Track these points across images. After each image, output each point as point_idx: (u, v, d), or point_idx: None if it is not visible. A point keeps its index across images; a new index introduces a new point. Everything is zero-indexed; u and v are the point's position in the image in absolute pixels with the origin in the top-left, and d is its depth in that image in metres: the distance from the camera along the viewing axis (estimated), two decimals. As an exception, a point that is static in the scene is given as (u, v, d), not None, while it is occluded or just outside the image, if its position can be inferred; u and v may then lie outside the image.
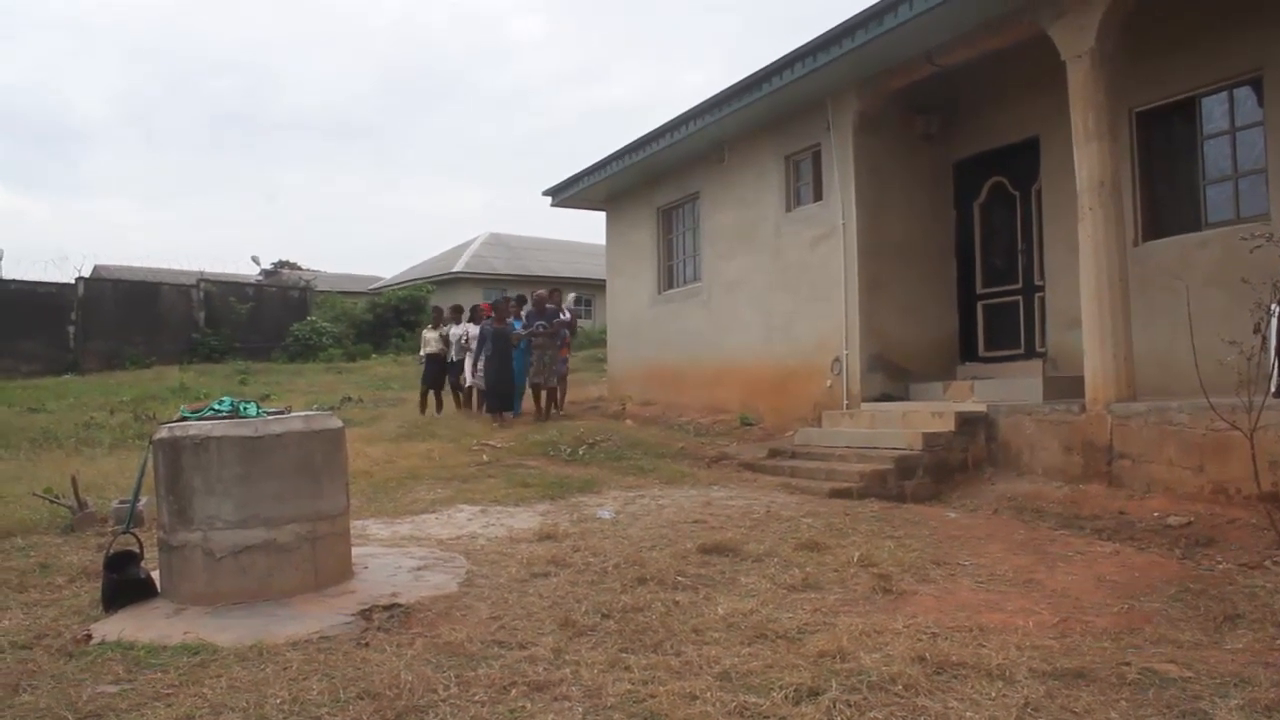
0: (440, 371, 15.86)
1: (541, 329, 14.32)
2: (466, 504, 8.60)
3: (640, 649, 4.37)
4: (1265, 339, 6.18)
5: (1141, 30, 8.88)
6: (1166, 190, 9.61)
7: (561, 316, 15.20)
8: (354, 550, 6.05)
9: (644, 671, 4.04)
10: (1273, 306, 6.30)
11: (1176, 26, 9.02)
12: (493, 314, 14.72)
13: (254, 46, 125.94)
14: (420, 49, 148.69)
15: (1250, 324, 6.17)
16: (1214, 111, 9.21)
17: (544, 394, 14.45)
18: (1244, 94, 8.94)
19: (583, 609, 4.99)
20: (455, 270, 34.01)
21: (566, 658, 4.26)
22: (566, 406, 15.13)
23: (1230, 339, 5.52)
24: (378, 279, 41.33)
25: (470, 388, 15.28)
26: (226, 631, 4.73)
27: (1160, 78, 9.32)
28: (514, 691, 3.86)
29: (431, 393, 15.84)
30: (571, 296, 22.91)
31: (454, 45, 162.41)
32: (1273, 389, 6.79)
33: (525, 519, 7.79)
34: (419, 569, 5.99)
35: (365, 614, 4.99)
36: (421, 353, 16.33)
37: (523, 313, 15.03)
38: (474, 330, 14.92)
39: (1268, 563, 5.95)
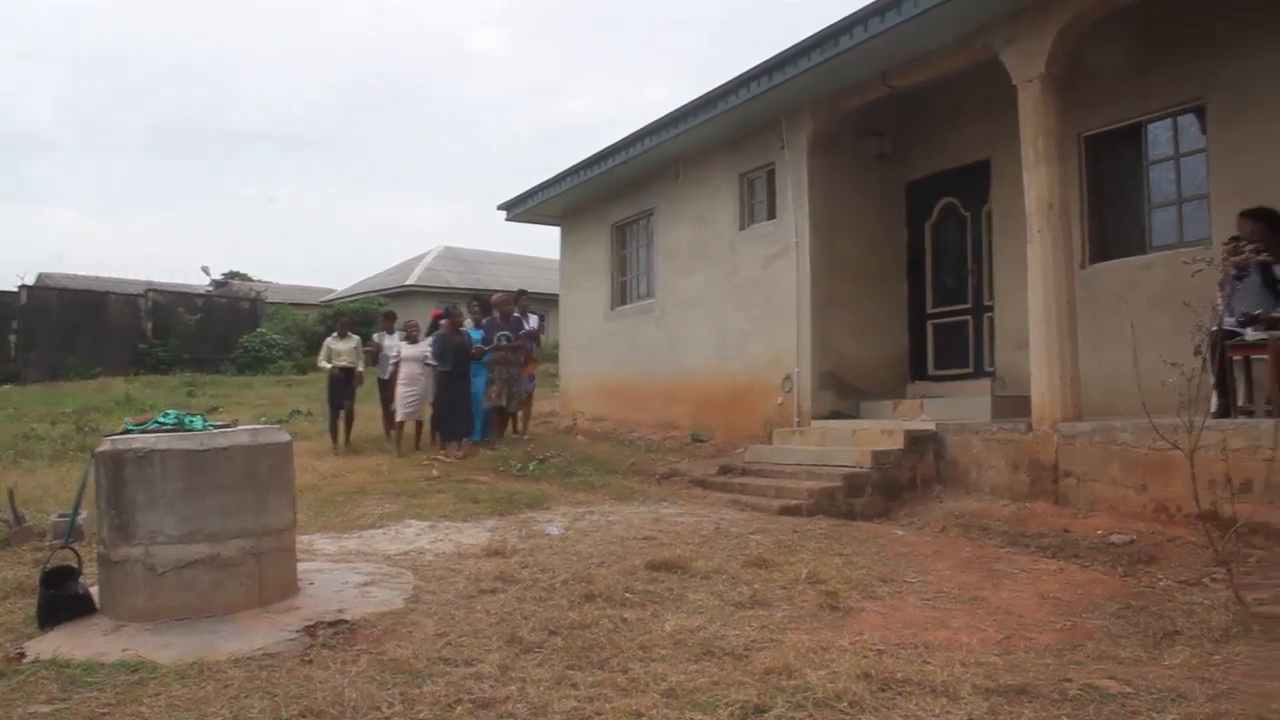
0: (350, 390, 13.31)
1: (506, 341, 12.74)
2: (415, 519, 8.52)
3: (587, 666, 4.36)
4: (1205, 361, 6.31)
5: (1091, 57, 9.04)
6: (1113, 214, 9.79)
7: (528, 325, 13.53)
8: (300, 566, 5.97)
9: (590, 689, 4.02)
10: (1212, 329, 6.44)
11: (1125, 55, 9.20)
12: (444, 321, 12.73)
13: (209, 56, 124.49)
14: (380, 62, 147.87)
15: (1191, 346, 6.31)
16: (1159, 138, 9.42)
17: (499, 418, 12.93)
18: (1188, 121, 9.15)
19: (530, 626, 4.96)
20: (408, 283, 33.74)
21: (512, 675, 4.23)
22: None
23: (1172, 360, 5.62)
24: (330, 291, 40.93)
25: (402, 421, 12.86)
26: (167, 648, 4.64)
27: (1108, 104, 9.51)
28: (459, 709, 3.82)
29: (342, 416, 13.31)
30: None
31: (414, 59, 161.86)
32: (1212, 409, 6.93)
33: (474, 535, 7.73)
34: (365, 585, 5.93)
35: (310, 630, 4.92)
36: (328, 365, 13.29)
37: (482, 320, 13.21)
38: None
39: (1206, 580, 6.06)
